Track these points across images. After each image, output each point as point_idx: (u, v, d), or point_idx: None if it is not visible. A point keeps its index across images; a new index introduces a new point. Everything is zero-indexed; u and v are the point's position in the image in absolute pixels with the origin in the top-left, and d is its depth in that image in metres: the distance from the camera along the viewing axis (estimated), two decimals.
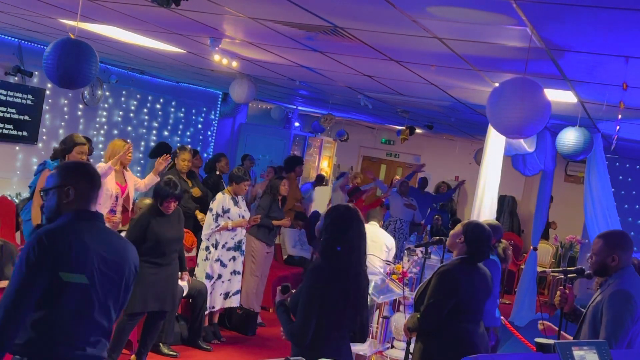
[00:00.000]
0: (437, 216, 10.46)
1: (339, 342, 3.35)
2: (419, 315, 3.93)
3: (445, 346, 3.83)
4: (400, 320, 5.66)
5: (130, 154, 6.33)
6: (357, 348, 5.30)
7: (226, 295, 6.63)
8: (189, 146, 7.83)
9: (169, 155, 6.74)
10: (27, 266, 2.46)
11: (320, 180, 11.58)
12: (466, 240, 3.98)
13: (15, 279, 2.47)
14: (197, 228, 7.23)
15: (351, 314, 3.37)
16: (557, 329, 3.83)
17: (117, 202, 6.28)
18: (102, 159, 6.54)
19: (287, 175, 9.18)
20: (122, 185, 6.36)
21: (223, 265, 6.54)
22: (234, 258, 6.61)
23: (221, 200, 6.49)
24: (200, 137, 12.13)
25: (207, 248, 6.51)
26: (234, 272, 6.65)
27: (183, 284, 6.12)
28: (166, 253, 5.41)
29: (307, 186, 11.19)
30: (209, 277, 6.47)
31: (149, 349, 5.53)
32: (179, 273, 5.80)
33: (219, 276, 6.52)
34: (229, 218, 6.48)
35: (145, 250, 5.27)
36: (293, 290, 3.48)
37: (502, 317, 5.58)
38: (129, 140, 6.67)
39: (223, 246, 6.52)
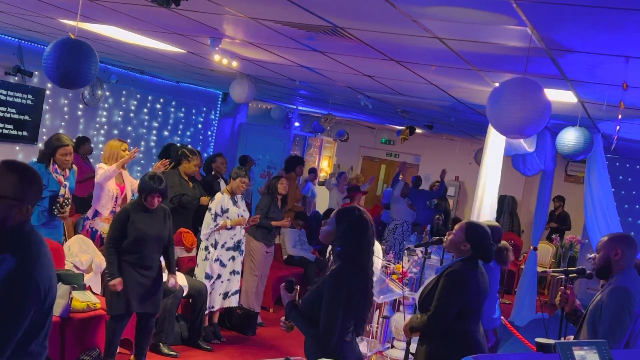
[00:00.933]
0: (437, 216, 10.47)
1: (354, 340, 3.39)
2: (426, 317, 3.91)
3: (452, 347, 3.82)
4: (400, 320, 5.66)
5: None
6: None
7: (225, 295, 6.63)
8: (198, 150, 7.81)
9: (167, 160, 6.73)
10: (23, 305, 2.26)
11: (312, 173, 11.58)
12: (473, 246, 3.95)
13: (9, 315, 2.24)
14: (197, 228, 7.23)
15: (367, 312, 3.44)
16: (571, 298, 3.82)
17: (116, 203, 6.29)
18: (101, 160, 6.52)
19: (286, 175, 9.17)
20: (121, 185, 6.36)
21: (222, 265, 6.53)
22: (233, 258, 6.61)
23: (220, 200, 6.48)
24: (200, 137, 12.13)
25: (206, 248, 6.50)
26: (233, 272, 6.65)
27: (182, 282, 6.12)
28: (146, 252, 5.23)
29: (308, 185, 11.19)
30: (208, 277, 6.46)
31: (145, 351, 5.49)
32: (167, 276, 5.55)
33: (219, 276, 6.52)
34: (227, 218, 6.47)
35: (126, 248, 5.18)
36: (297, 287, 3.49)
37: (502, 317, 5.57)
38: (128, 141, 6.68)
39: (222, 246, 6.52)
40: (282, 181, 7.39)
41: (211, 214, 6.43)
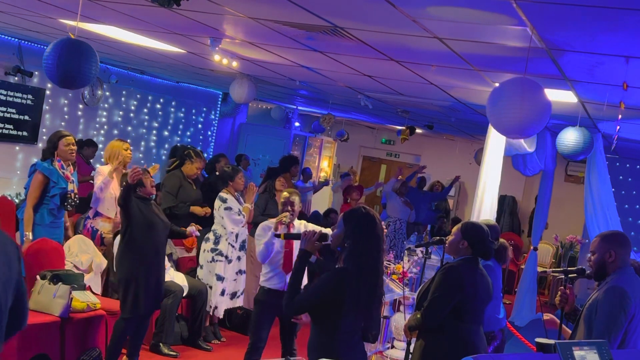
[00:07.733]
0: (440, 216, 10.44)
1: (360, 343, 3.39)
2: (421, 312, 3.93)
3: (447, 345, 3.84)
4: (400, 320, 5.66)
5: (129, 156, 6.33)
6: None
7: (233, 295, 6.57)
8: (202, 152, 7.75)
9: (137, 167, 6.64)
10: None
11: (302, 173, 11.54)
12: (470, 243, 3.98)
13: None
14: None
15: (377, 313, 3.44)
16: (558, 321, 3.84)
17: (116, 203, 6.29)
18: (102, 160, 6.50)
19: (283, 175, 9.16)
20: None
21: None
22: (238, 258, 6.58)
23: (230, 198, 6.43)
24: (200, 137, 12.13)
25: (212, 249, 6.41)
26: (240, 272, 6.62)
27: (182, 282, 6.11)
28: (157, 240, 5.25)
29: (299, 184, 11.15)
30: (220, 278, 6.38)
31: (139, 349, 5.48)
32: (192, 228, 5.74)
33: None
34: None
35: (139, 239, 5.14)
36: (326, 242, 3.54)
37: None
38: (128, 141, 6.66)
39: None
40: (279, 178, 7.38)
41: (234, 211, 6.35)
